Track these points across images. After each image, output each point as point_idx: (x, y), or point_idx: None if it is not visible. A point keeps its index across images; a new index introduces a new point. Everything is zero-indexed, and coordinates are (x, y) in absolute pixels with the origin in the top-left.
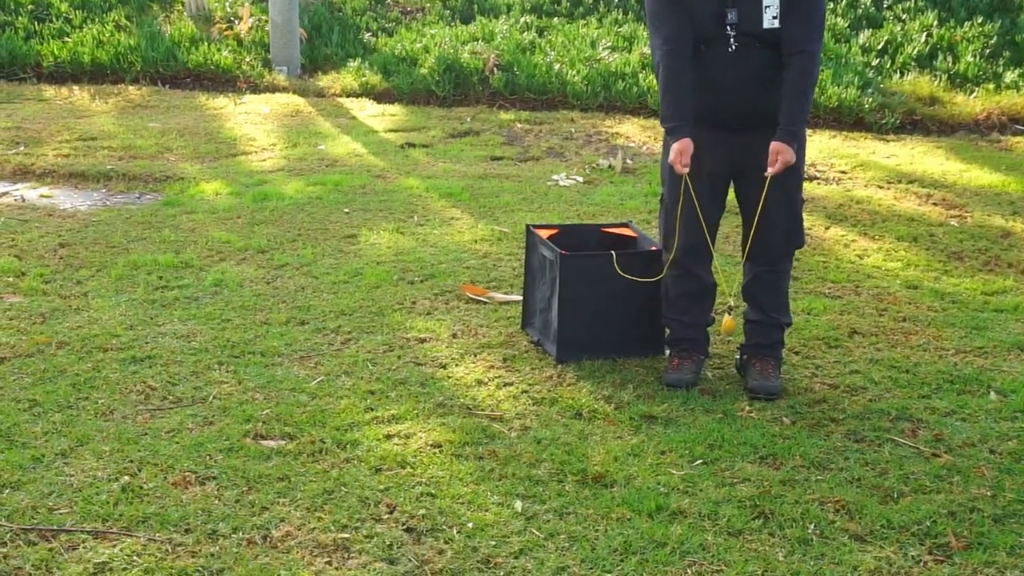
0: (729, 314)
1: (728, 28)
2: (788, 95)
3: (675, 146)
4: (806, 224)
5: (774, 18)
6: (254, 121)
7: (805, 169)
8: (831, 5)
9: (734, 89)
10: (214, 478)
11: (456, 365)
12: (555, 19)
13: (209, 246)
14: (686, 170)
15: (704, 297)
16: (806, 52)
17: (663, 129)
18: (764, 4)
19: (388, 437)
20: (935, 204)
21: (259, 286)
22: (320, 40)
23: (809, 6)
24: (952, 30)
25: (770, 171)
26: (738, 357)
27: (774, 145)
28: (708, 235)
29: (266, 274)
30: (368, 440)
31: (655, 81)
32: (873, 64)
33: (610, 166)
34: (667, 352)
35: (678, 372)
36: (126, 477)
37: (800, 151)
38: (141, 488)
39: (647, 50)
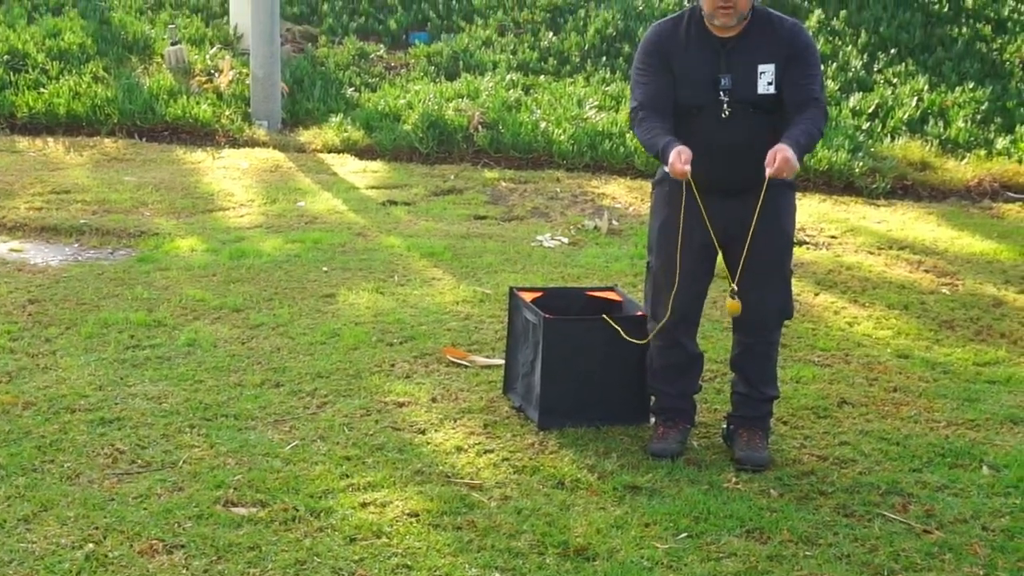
0: (732, 298)
1: (721, 94)
2: (796, 124)
3: (673, 152)
4: (795, 290)
5: (769, 84)
6: (232, 176)
7: (795, 234)
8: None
9: (727, 155)
10: (182, 547)
11: (435, 431)
12: (541, 77)
13: (183, 304)
14: (687, 167)
15: (691, 368)
16: (816, 101)
17: (657, 171)
18: (759, 70)
19: (364, 505)
20: (926, 271)
21: (233, 346)
22: (302, 94)
23: (808, 66)
24: (943, 95)
25: (769, 171)
26: (725, 427)
27: (776, 147)
28: (695, 305)
29: (241, 334)
30: (343, 508)
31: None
32: (864, 128)
33: (596, 227)
34: (652, 420)
35: (663, 441)
36: (91, 544)
37: (790, 216)
38: (106, 556)
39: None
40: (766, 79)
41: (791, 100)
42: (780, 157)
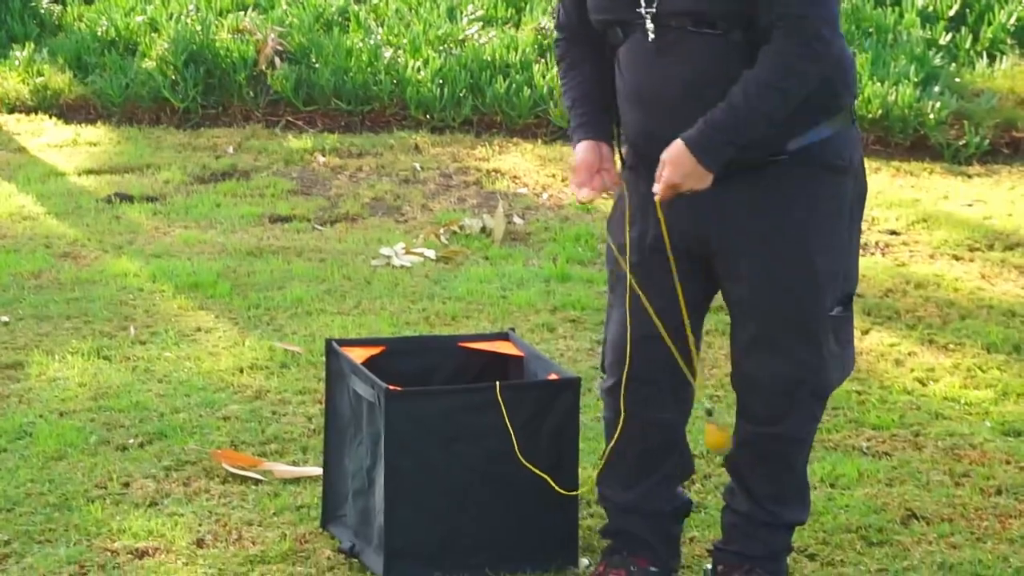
0: (709, 418)
1: (641, 1)
2: (730, 96)
3: (577, 151)
4: None
5: None
6: None
7: (835, 259)
8: None
9: (664, 105)
10: None
11: None
12: None
13: None
14: (582, 193)
15: (667, 455)
16: (797, 20)
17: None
18: None
19: None
20: None
21: None
22: None
23: None
24: None
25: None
26: (709, 568)
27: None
28: (676, 344)
29: None
30: None
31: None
32: (943, 43)
33: (483, 229)
34: (584, 563)
35: None
36: None
37: (819, 225)
38: None
39: (548, 22)
40: None
41: (764, 14)
42: (666, 174)
